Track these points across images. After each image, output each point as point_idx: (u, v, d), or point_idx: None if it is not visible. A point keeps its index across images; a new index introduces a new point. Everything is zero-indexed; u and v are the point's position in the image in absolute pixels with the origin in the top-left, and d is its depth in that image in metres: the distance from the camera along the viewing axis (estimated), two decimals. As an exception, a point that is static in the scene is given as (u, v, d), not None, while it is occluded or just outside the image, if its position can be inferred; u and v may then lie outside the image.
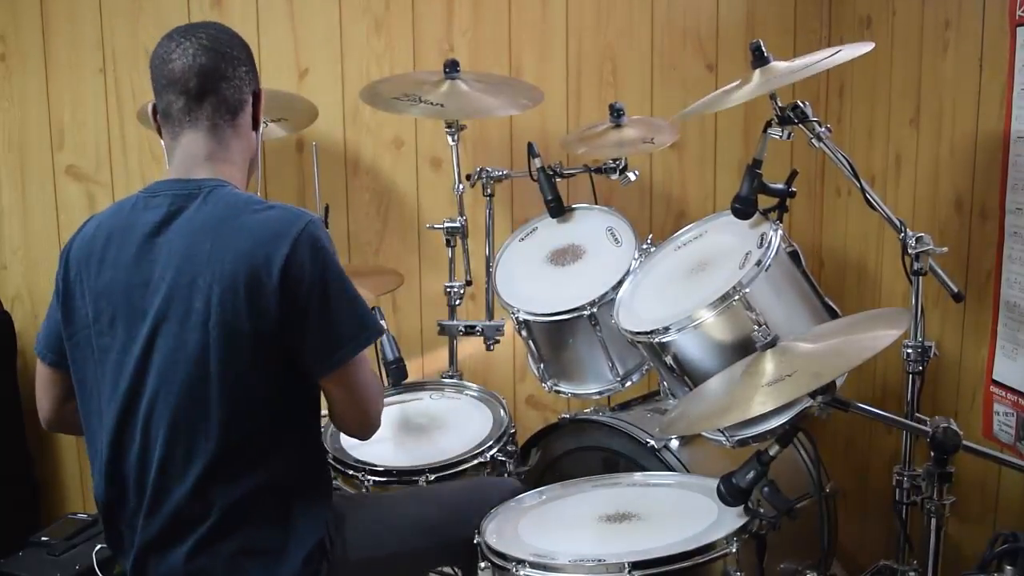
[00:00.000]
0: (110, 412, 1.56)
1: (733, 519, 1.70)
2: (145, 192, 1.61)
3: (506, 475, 2.19)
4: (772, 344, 1.70)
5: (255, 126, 1.69)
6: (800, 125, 1.90)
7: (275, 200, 1.62)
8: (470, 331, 2.49)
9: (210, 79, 1.59)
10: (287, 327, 1.52)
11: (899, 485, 1.89)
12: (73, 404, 1.66)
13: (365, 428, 1.71)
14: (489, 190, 2.61)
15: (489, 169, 2.60)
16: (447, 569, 2.17)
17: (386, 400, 2.37)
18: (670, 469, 2.08)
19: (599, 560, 1.62)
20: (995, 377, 2.03)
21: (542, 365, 2.39)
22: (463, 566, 1.92)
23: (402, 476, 2.08)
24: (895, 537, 1.96)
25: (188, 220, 1.55)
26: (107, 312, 1.56)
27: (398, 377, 2.11)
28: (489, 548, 1.71)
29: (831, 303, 1.97)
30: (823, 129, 1.89)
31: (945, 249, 1.79)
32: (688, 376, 1.93)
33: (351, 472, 2.10)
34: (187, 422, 1.53)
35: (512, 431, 2.26)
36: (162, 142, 1.67)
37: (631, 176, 2.49)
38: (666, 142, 2.58)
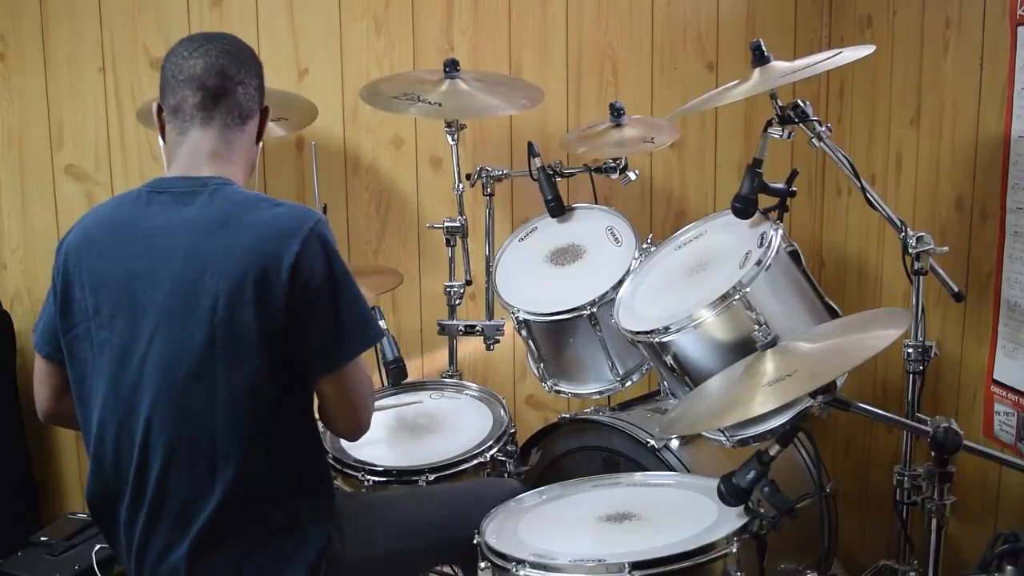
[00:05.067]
0: (111, 408, 1.56)
1: (733, 519, 1.69)
2: (148, 187, 1.61)
3: (506, 475, 2.18)
4: (772, 344, 1.70)
5: (258, 139, 1.72)
6: (800, 124, 1.89)
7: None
8: (470, 331, 2.49)
9: (229, 81, 1.62)
10: (293, 325, 1.51)
11: (900, 485, 1.89)
12: (71, 398, 1.64)
13: (355, 429, 1.70)
14: (489, 189, 2.60)
15: (489, 168, 2.60)
16: (447, 569, 2.17)
17: (386, 400, 2.39)
18: (670, 469, 2.08)
19: (599, 560, 1.61)
20: (996, 377, 2.03)
21: (542, 365, 2.38)
22: (463, 566, 1.92)
23: (402, 476, 2.08)
24: (895, 537, 1.96)
25: (195, 216, 1.55)
26: (107, 305, 1.56)
27: (398, 377, 2.10)
28: (489, 548, 1.71)
29: (831, 303, 1.96)
30: (823, 128, 1.88)
31: (946, 249, 1.79)
32: (688, 376, 1.93)
33: (350, 472, 2.09)
34: (191, 420, 1.52)
35: (512, 431, 2.25)
36: (160, 142, 1.67)
37: (631, 176, 2.48)
38: (666, 142, 2.58)
